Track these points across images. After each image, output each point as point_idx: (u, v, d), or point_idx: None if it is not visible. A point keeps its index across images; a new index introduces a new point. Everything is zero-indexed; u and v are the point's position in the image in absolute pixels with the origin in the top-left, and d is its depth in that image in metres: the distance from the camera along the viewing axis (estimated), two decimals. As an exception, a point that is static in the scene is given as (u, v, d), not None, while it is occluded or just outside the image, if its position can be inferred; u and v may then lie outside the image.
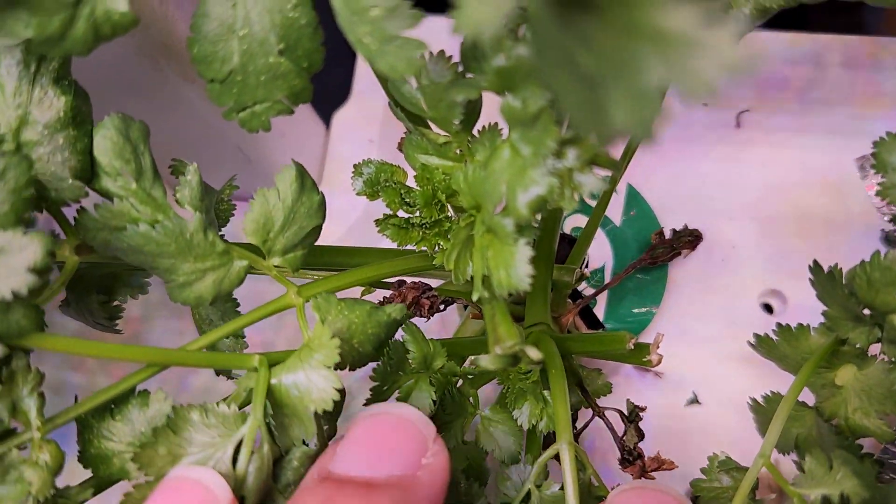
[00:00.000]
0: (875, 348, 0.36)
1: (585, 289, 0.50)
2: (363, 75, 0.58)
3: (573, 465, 0.31)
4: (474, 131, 0.31)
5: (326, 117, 0.57)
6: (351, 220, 0.53)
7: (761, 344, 0.39)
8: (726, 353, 0.50)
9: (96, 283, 0.38)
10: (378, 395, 0.33)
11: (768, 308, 0.51)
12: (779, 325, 0.38)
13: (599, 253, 0.51)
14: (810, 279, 0.36)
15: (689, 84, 0.14)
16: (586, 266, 0.51)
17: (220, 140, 0.47)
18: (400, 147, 0.33)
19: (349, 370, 0.31)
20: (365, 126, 0.57)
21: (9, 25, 0.24)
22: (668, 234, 0.50)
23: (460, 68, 0.29)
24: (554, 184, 0.25)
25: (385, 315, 0.31)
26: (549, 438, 0.45)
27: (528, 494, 0.33)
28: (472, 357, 0.32)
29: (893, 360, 0.35)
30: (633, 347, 0.33)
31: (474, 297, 0.31)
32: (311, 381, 0.29)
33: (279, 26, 0.28)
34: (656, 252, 0.48)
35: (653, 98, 0.15)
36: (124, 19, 0.24)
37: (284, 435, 0.29)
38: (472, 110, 0.31)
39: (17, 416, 0.28)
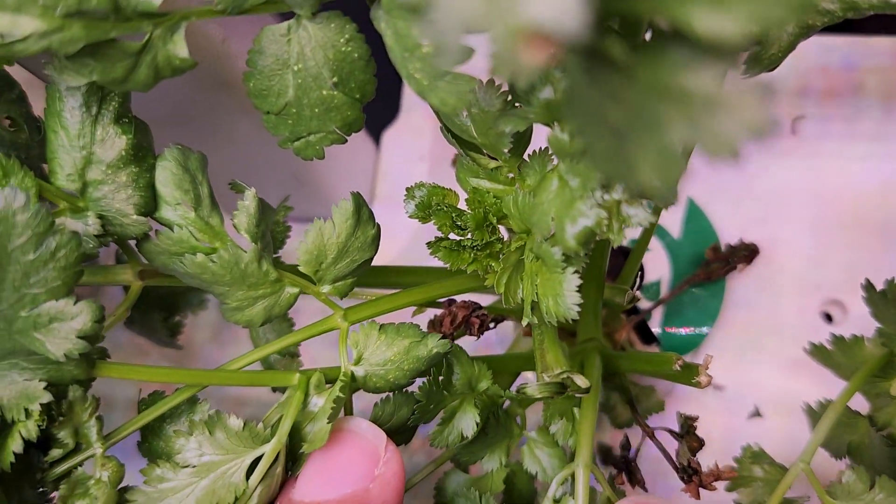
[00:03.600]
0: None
1: (641, 302, 0.50)
2: (412, 92, 0.58)
3: (586, 489, 0.31)
4: (525, 155, 0.31)
5: (376, 135, 0.58)
6: (405, 237, 0.53)
7: (816, 352, 0.39)
8: (787, 364, 0.49)
9: (158, 302, 0.39)
10: (423, 414, 0.33)
11: (829, 317, 0.50)
12: (832, 335, 0.38)
13: (657, 266, 0.51)
14: (863, 297, 0.35)
15: (712, 145, 0.14)
16: (640, 283, 0.50)
17: (272, 164, 0.48)
18: (453, 163, 0.33)
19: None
20: (415, 143, 0.57)
21: (75, 69, 0.25)
22: (724, 248, 0.50)
23: (510, 97, 0.29)
24: (602, 216, 0.26)
25: (427, 349, 0.31)
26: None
27: None
28: (520, 385, 0.32)
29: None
30: (680, 369, 0.33)
31: (524, 323, 0.31)
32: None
33: (332, 60, 0.28)
34: (711, 267, 0.48)
35: (676, 156, 0.15)
36: (184, 64, 0.25)
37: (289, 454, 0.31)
38: (522, 137, 0.31)
39: (80, 439, 0.29)
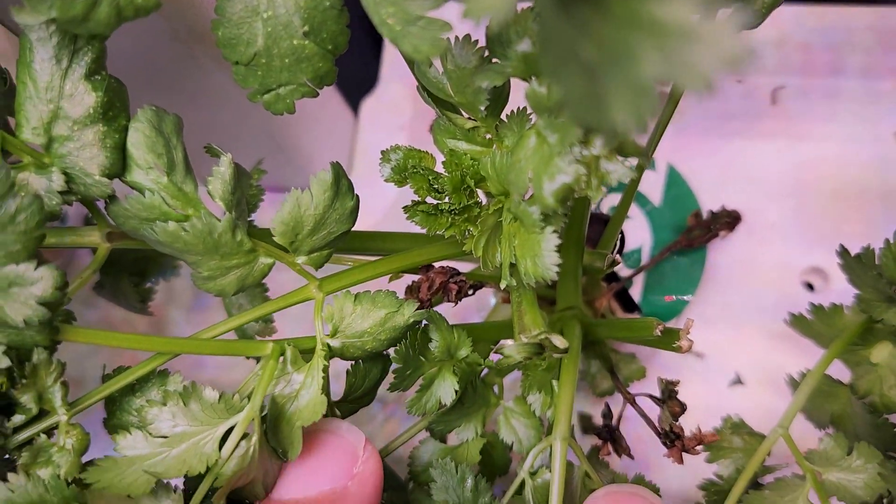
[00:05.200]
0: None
1: (622, 269, 0.49)
2: (391, 62, 0.57)
3: (563, 462, 0.31)
4: (503, 115, 0.30)
5: (355, 105, 0.57)
6: (382, 209, 0.53)
7: (797, 322, 0.38)
8: (768, 332, 0.49)
9: (129, 266, 0.38)
10: (401, 380, 0.32)
11: (810, 286, 0.50)
12: (811, 304, 0.37)
13: (637, 233, 0.50)
14: (839, 263, 0.35)
15: (686, 78, 0.14)
16: (619, 249, 0.50)
17: (250, 127, 0.47)
18: (431, 129, 0.33)
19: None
20: (394, 113, 0.56)
21: (32, 5, 0.24)
22: (705, 215, 0.49)
23: (486, 53, 0.28)
24: (580, 172, 0.25)
25: (404, 318, 0.31)
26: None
27: (523, 482, 0.32)
28: (497, 346, 0.31)
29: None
30: (661, 334, 0.32)
31: (502, 285, 0.30)
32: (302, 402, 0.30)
33: (304, 8, 0.27)
34: (693, 234, 0.47)
35: (649, 91, 0.14)
36: (147, 3, 0.24)
37: (279, 441, 0.30)
38: (500, 95, 0.30)
39: (44, 405, 0.29)
